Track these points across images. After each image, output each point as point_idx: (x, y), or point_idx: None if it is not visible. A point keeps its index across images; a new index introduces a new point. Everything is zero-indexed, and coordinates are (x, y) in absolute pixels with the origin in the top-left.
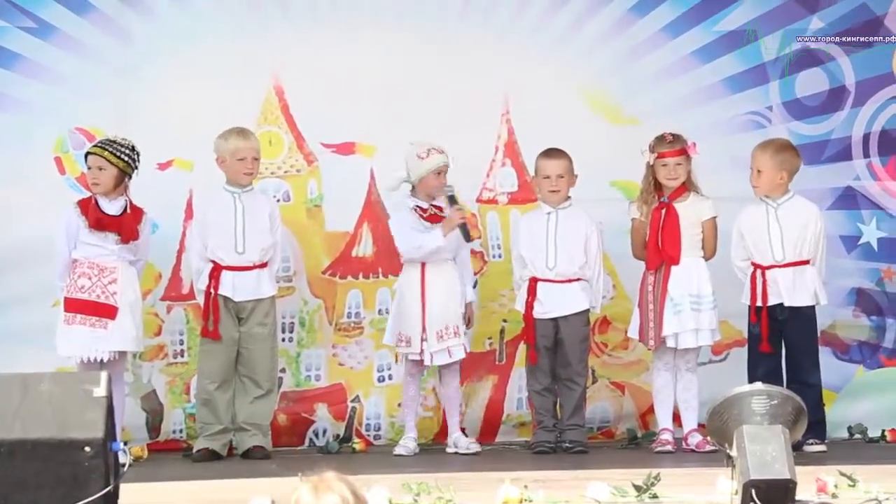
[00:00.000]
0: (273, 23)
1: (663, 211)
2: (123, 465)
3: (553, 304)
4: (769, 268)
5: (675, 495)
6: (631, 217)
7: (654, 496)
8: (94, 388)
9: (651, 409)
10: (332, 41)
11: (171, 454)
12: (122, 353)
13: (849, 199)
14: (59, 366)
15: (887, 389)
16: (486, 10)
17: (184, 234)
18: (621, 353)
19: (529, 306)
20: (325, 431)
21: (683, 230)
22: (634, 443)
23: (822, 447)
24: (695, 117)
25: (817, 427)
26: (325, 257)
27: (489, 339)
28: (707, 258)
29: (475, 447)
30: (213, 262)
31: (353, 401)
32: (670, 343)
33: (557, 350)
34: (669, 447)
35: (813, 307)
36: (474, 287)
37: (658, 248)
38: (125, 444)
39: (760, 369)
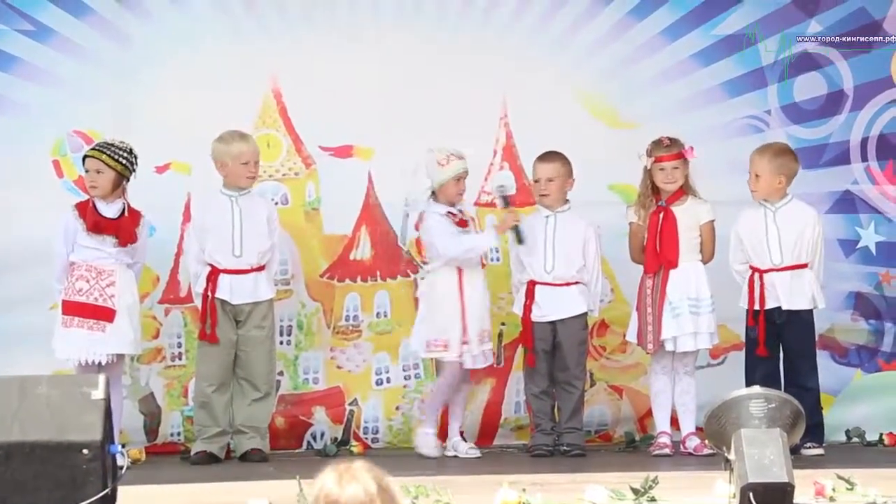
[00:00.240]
0: (271, 26)
1: (661, 215)
2: (121, 468)
3: (551, 307)
4: (767, 271)
5: (673, 499)
6: (629, 221)
7: (652, 499)
8: (92, 391)
9: (649, 413)
10: (330, 44)
11: (169, 457)
12: (120, 356)
13: (847, 203)
14: (57, 368)
15: (885, 393)
16: (484, 12)
17: (182, 237)
18: (619, 357)
19: (527, 309)
20: (322, 434)
21: (681, 234)
22: (632, 446)
23: (819, 451)
24: (693, 121)
25: (815, 430)
26: (323, 260)
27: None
28: (705, 262)
29: (475, 452)
30: (211, 265)
31: (350, 404)
32: (669, 346)
33: (555, 353)
34: (667, 450)
35: (811, 311)
36: None
37: (656, 251)
38: (123, 446)
39: (758, 373)
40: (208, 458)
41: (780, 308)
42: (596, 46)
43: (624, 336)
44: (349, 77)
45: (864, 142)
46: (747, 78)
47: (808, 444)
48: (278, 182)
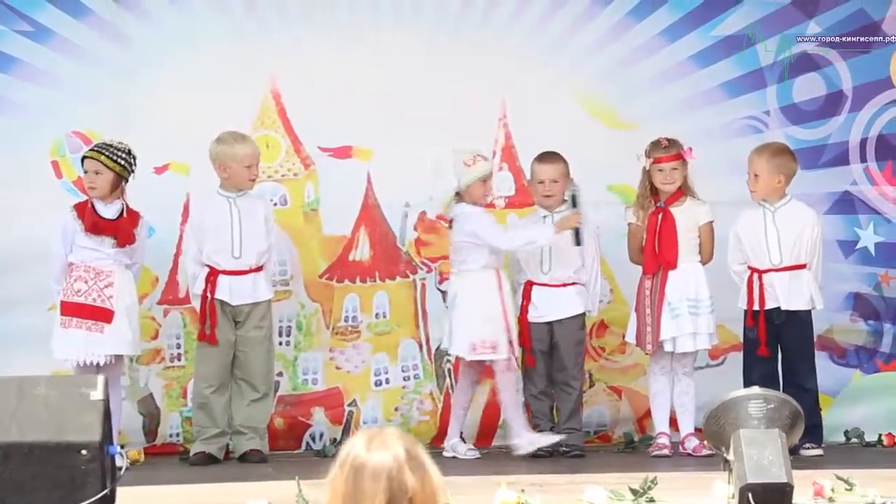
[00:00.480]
0: (270, 26)
1: (660, 216)
2: (120, 469)
3: (548, 307)
4: (766, 272)
5: (672, 499)
6: (627, 222)
7: (651, 500)
8: (91, 392)
9: (648, 414)
10: (329, 45)
11: (168, 458)
12: (119, 357)
13: (846, 204)
14: (56, 369)
15: (884, 394)
16: (483, 13)
17: (181, 237)
18: (618, 358)
19: (524, 310)
20: (321, 435)
21: (680, 235)
22: (631, 447)
23: (818, 451)
24: (692, 122)
25: (814, 431)
26: (323, 261)
27: None
28: (704, 263)
29: (473, 453)
30: (210, 266)
31: (350, 405)
32: (668, 347)
33: (553, 354)
34: (666, 451)
35: (809, 312)
36: None
37: (655, 252)
38: (122, 447)
39: (755, 373)
40: (207, 459)
41: (778, 308)
42: (595, 47)
43: (623, 337)
44: (348, 78)
45: (864, 142)
46: (746, 79)
47: (807, 445)
48: (277, 183)
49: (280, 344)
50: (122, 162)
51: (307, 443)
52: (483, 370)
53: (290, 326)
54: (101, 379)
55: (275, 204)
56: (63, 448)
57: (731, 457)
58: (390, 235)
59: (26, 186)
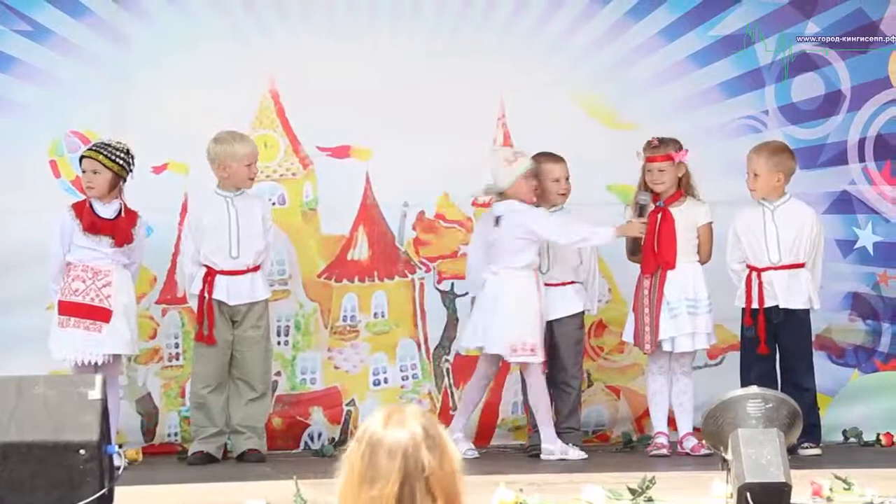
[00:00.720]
0: (269, 26)
1: (659, 215)
2: (118, 468)
3: (547, 307)
4: (765, 270)
5: (671, 499)
6: (627, 219)
7: (650, 500)
8: (89, 391)
9: (646, 413)
10: (327, 45)
11: (166, 457)
12: (117, 357)
13: (845, 204)
14: (53, 369)
15: (882, 393)
16: (482, 13)
17: (179, 237)
18: (617, 357)
19: None
20: (320, 435)
21: (679, 235)
22: (629, 446)
23: (817, 451)
24: (690, 122)
25: (812, 430)
26: (321, 260)
27: None
28: (702, 263)
29: (472, 453)
30: (207, 266)
31: (348, 404)
32: (666, 347)
33: (553, 353)
34: (664, 451)
35: (807, 311)
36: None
37: (654, 252)
38: (120, 446)
39: (753, 373)
40: (205, 459)
41: (776, 307)
42: (593, 47)
43: (621, 336)
44: (347, 77)
45: (862, 142)
46: (745, 78)
47: (806, 444)
48: (276, 182)
49: (278, 343)
50: (121, 161)
51: (305, 442)
52: (499, 371)
53: (288, 326)
54: (99, 378)
55: (273, 203)
56: (61, 447)
57: (729, 456)
58: (389, 235)
59: (24, 186)
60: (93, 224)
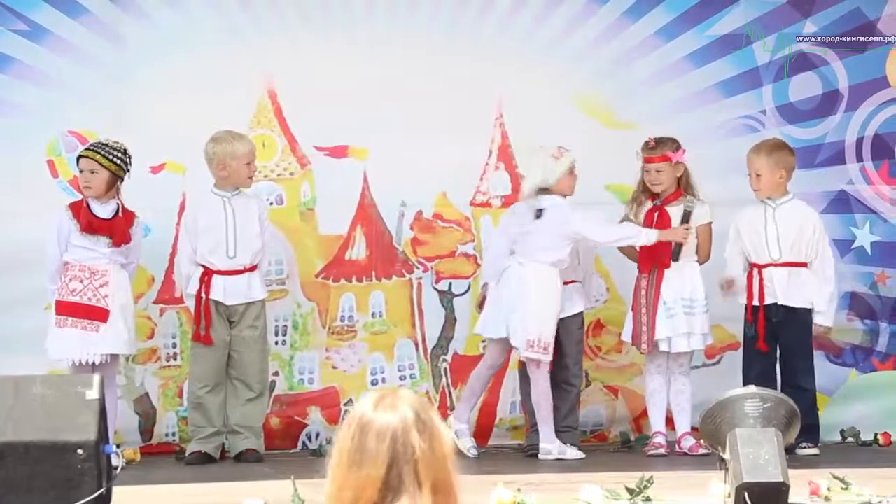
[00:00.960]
0: (266, 26)
1: (656, 214)
2: (116, 468)
3: None
4: (765, 266)
5: (668, 498)
6: (624, 215)
7: (647, 499)
8: (87, 391)
9: (644, 413)
10: (325, 44)
11: (164, 457)
12: (114, 356)
13: (842, 203)
14: (52, 368)
15: (880, 393)
16: (479, 13)
17: (177, 237)
18: (615, 357)
19: None
20: (318, 435)
21: None
22: (627, 446)
23: (814, 450)
24: (688, 121)
25: (810, 430)
26: (319, 260)
27: (482, 342)
28: (701, 263)
29: (473, 451)
30: (204, 266)
31: (346, 404)
32: (663, 347)
33: (555, 352)
34: (662, 450)
35: (808, 311)
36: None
37: (651, 251)
38: (118, 446)
39: (754, 370)
40: (203, 459)
41: (776, 305)
42: (591, 47)
43: (619, 336)
44: (344, 77)
45: (860, 142)
46: (742, 78)
47: (804, 444)
48: (273, 182)
49: (276, 343)
50: (118, 161)
51: (303, 442)
52: (503, 362)
53: (286, 326)
54: (96, 378)
55: (271, 203)
56: (59, 447)
57: (727, 456)
58: (386, 235)
59: (22, 186)
60: (90, 224)
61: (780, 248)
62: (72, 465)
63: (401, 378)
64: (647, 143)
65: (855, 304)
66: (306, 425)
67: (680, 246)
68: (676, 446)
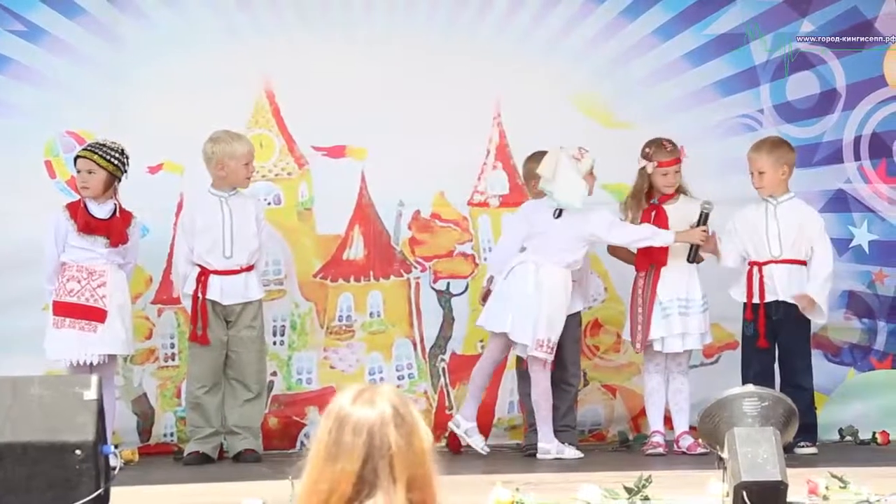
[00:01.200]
0: (264, 26)
1: (653, 213)
2: (114, 469)
3: None
4: (765, 263)
5: (667, 497)
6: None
7: (646, 498)
8: (85, 392)
9: (642, 412)
10: (323, 44)
11: (162, 457)
12: (112, 357)
13: (840, 202)
14: (49, 369)
15: (878, 392)
16: (477, 12)
17: (174, 237)
18: (613, 356)
19: None
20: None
21: None
22: (626, 445)
23: (813, 449)
24: (686, 120)
25: (808, 429)
26: (317, 260)
27: (480, 341)
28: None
29: (487, 449)
30: (200, 266)
31: None
32: (657, 346)
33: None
34: (661, 450)
35: None
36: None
37: (646, 250)
38: (116, 447)
39: (753, 369)
40: (201, 459)
41: (776, 303)
42: (589, 46)
43: (618, 335)
44: (342, 77)
45: (857, 141)
46: (740, 77)
47: (802, 443)
48: (271, 182)
49: (274, 343)
50: (116, 161)
51: (301, 442)
52: (504, 358)
53: (284, 326)
54: (94, 379)
55: (268, 203)
56: (57, 448)
57: (725, 455)
58: (384, 234)
59: (19, 186)
60: (87, 224)
61: (780, 245)
62: (70, 465)
63: (399, 378)
64: (663, 145)
65: (853, 302)
66: (304, 425)
67: (697, 247)
68: (675, 445)
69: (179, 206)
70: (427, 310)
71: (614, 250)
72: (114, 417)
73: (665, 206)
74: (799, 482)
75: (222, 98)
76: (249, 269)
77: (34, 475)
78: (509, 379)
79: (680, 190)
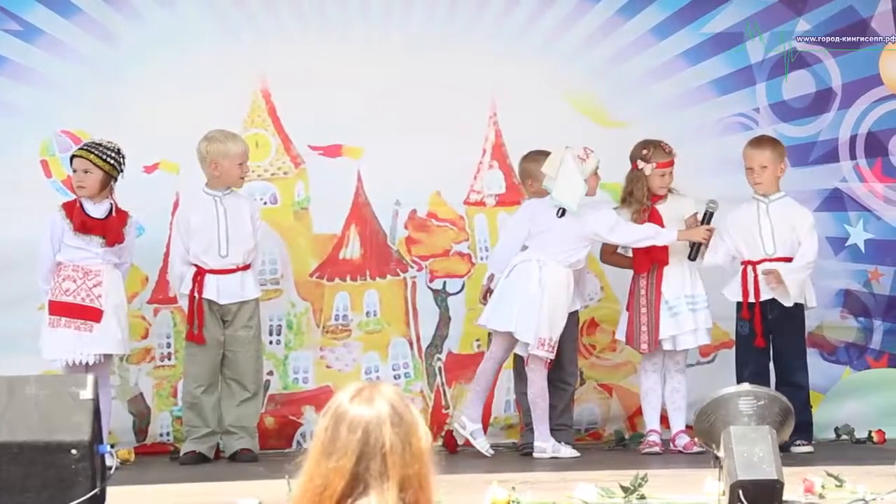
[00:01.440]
0: (260, 25)
1: (646, 214)
2: (110, 468)
3: None
4: (760, 262)
5: (663, 496)
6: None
7: (642, 497)
8: (81, 391)
9: (639, 411)
10: (319, 44)
11: (158, 457)
12: (108, 356)
13: (836, 201)
14: (45, 369)
15: (874, 391)
16: (473, 11)
17: (170, 237)
18: (609, 355)
19: None
20: (312, 434)
21: None
22: (622, 444)
23: (809, 448)
24: (682, 119)
25: (804, 428)
26: (313, 260)
27: (477, 340)
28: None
29: (491, 451)
30: (196, 265)
31: None
32: (667, 346)
33: None
34: (657, 448)
35: (801, 308)
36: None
37: (646, 250)
38: (112, 446)
39: (748, 368)
40: (198, 459)
41: (771, 302)
42: (585, 46)
43: (614, 334)
44: (338, 76)
45: (853, 139)
46: (736, 76)
47: (798, 442)
48: (267, 182)
49: (270, 343)
50: (112, 161)
51: (298, 441)
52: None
53: (280, 325)
54: (90, 378)
55: (265, 203)
56: (53, 448)
57: (721, 454)
58: (381, 234)
59: (15, 186)
60: (83, 224)
61: (774, 243)
62: (66, 465)
63: (395, 377)
64: (662, 147)
65: (849, 301)
66: (301, 425)
67: (699, 245)
68: (671, 444)
69: (175, 206)
70: (423, 309)
71: (608, 258)
72: (110, 417)
73: (656, 206)
74: (795, 481)
75: (218, 97)
76: (245, 268)
77: (30, 475)
78: (506, 378)
79: (669, 189)
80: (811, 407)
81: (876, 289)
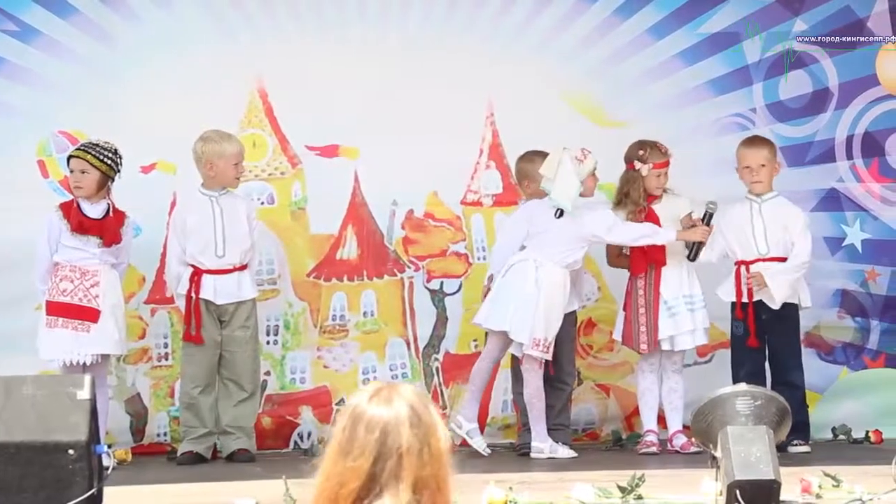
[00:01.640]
0: (257, 26)
1: (642, 215)
2: (107, 468)
3: None
4: (754, 262)
5: (660, 496)
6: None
7: (639, 497)
8: (78, 391)
9: (636, 412)
10: (316, 44)
11: (156, 457)
12: (105, 356)
13: (832, 201)
14: (42, 369)
15: (871, 391)
16: (470, 12)
17: (167, 237)
18: (606, 356)
19: None
20: (309, 434)
21: None
22: (619, 444)
23: (806, 448)
24: (679, 119)
25: (801, 428)
26: (310, 260)
27: (474, 340)
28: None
29: (488, 451)
30: (193, 266)
31: (337, 403)
32: (666, 346)
33: None
34: (654, 449)
35: (796, 307)
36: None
37: (643, 251)
38: (109, 447)
39: (744, 368)
40: (195, 459)
41: (764, 302)
42: (582, 45)
43: (611, 334)
44: (335, 77)
45: (850, 140)
46: (733, 76)
47: (795, 442)
48: (264, 182)
49: (267, 343)
50: (109, 161)
51: (295, 442)
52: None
53: (277, 325)
54: (87, 378)
55: (262, 203)
56: (50, 448)
57: (718, 454)
58: (378, 234)
59: (12, 186)
60: (81, 224)
61: (767, 242)
62: (63, 465)
63: (392, 377)
64: (658, 147)
65: (846, 301)
66: (298, 425)
67: (699, 245)
68: (668, 444)
69: (172, 206)
70: (420, 309)
71: (614, 260)
72: (107, 417)
73: (653, 206)
74: (792, 481)
75: (215, 98)
76: (242, 268)
77: (27, 475)
78: (503, 378)
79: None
80: (807, 406)
81: (873, 289)
